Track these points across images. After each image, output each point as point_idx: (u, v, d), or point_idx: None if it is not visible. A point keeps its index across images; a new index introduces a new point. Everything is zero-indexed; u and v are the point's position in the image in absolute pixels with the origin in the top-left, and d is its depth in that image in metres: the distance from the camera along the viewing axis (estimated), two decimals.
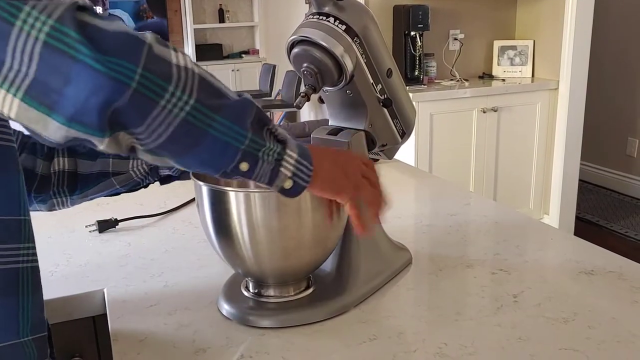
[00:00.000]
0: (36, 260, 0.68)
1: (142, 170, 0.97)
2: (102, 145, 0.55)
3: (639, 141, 4.09)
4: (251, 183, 0.96)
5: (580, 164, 3.47)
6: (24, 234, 0.66)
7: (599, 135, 4.36)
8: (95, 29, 0.52)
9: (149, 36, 0.57)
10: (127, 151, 0.59)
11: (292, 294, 0.88)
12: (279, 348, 0.79)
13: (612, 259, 1.03)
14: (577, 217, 3.56)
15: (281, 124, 2.86)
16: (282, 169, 0.65)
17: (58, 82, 0.51)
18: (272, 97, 6.00)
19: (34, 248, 0.69)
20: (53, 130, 0.53)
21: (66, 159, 0.94)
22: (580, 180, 3.52)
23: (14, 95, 0.51)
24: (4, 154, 0.63)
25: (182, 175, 1.00)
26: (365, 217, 0.76)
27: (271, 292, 0.88)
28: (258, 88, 6.46)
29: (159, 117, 0.56)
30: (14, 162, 0.64)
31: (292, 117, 6.04)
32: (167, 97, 0.55)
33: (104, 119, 0.53)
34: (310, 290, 0.90)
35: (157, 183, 1.02)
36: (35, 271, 0.68)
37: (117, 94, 0.52)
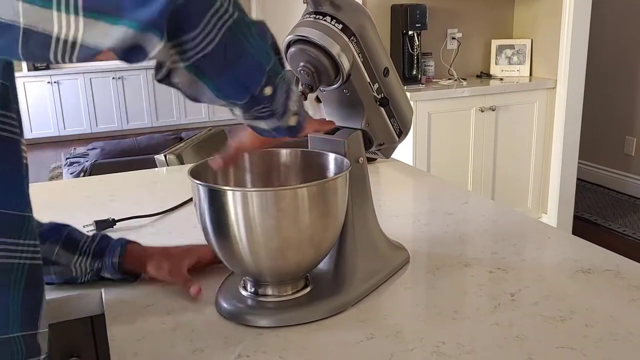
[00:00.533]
0: (37, 259, 0.68)
1: (83, 269, 0.95)
2: (155, 49, 0.51)
3: (637, 140, 4.10)
4: (248, 183, 0.97)
5: (578, 162, 3.47)
6: (26, 231, 0.66)
7: (596, 134, 4.36)
8: None
9: None
10: (164, 74, 0.57)
11: (290, 293, 0.88)
12: (276, 347, 0.79)
13: (610, 257, 1.03)
14: (575, 216, 3.56)
15: None
16: (290, 103, 0.65)
17: None
18: None
19: (37, 246, 0.69)
20: (114, 37, 0.49)
21: None
22: (578, 179, 3.52)
23: (75, 14, 0.47)
24: (5, 146, 0.63)
25: (122, 281, 0.98)
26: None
27: (269, 291, 0.88)
28: None
29: (212, 20, 0.54)
30: (14, 154, 0.64)
31: None
32: (220, 1, 0.54)
33: (164, 17, 0.50)
34: (308, 289, 0.90)
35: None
36: (33, 269, 0.68)
37: None
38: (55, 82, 6.50)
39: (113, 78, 6.70)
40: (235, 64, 0.57)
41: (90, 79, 6.63)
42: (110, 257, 0.95)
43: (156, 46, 0.50)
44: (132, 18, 0.48)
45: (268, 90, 0.61)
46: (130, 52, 0.50)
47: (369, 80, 0.92)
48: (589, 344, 0.77)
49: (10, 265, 0.65)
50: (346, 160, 0.89)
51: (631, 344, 0.77)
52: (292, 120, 0.67)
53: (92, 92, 6.69)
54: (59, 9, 0.46)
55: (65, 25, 0.47)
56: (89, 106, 6.71)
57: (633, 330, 0.79)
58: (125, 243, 0.98)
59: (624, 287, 0.92)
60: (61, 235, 0.95)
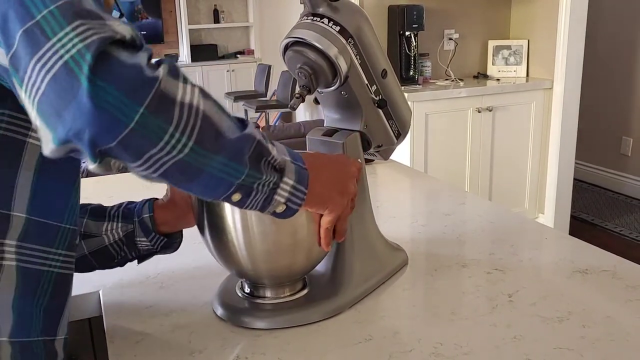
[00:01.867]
0: (68, 268, 0.69)
1: (116, 235, 0.89)
2: (91, 166, 0.55)
3: (633, 140, 4.11)
4: None
5: (575, 163, 3.48)
6: (60, 241, 0.67)
7: (593, 134, 4.37)
8: (114, 63, 0.52)
9: (162, 70, 0.55)
10: (117, 171, 0.59)
11: (287, 294, 0.89)
12: (275, 349, 0.79)
13: (607, 258, 1.03)
14: (572, 216, 3.57)
15: (276, 124, 2.86)
16: (276, 197, 0.66)
17: (61, 104, 0.51)
18: (268, 98, 6.00)
19: (69, 256, 0.69)
20: (49, 147, 0.54)
21: None
22: (574, 179, 3.53)
23: (32, 105, 0.52)
24: (11, 148, 0.64)
25: (161, 250, 0.93)
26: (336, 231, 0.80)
27: (266, 293, 0.88)
28: (253, 88, 6.46)
29: (155, 157, 0.55)
30: (16, 156, 0.64)
31: (287, 117, 6.04)
32: (165, 139, 0.54)
33: (94, 151, 0.53)
34: (305, 291, 0.90)
35: (136, 261, 0.94)
36: (62, 278, 0.69)
37: (112, 131, 0.52)
38: None
39: None
40: (189, 183, 0.59)
41: None
42: (139, 215, 0.90)
43: (92, 164, 0.54)
44: (58, 135, 0.52)
45: (236, 197, 0.62)
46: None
47: (366, 82, 0.92)
48: (586, 345, 0.77)
49: (38, 272, 0.66)
50: None
51: (628, 344, 0.77)
52: (279, 209, 0.68)
53: None
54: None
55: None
56: None
57: (630, 331, 0.80)
58: (151, 200, 0.92)
59: (621, 287, 0.92)
60: (86, 208, 0.90)
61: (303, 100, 0.89)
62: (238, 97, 6.14)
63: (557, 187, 3.42)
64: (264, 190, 0.64)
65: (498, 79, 3.49)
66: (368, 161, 1.63)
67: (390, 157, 1.15)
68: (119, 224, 0.89)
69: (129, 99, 0.52)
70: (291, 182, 0.67)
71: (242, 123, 0.62)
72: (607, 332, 0.80)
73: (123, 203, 0.93)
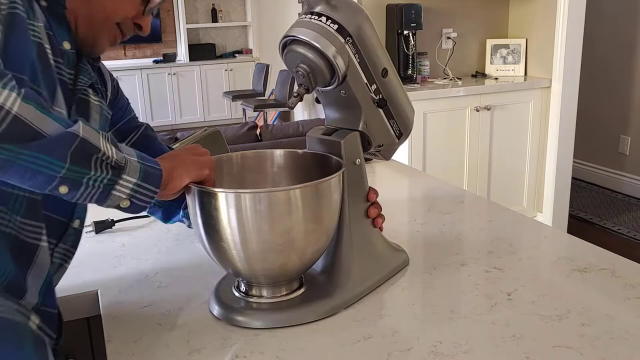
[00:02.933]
0: (31, 237, 0.75)
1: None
2: None
3: (631, 139, 4.11)
4: (241, 184, 0.96)
5: (573, 161, 3.48)
6: (14, 206, 0.74)
7: (591, 133, 4.38)
8: None
9: None
10: None
11: (284, 294, 0.88)
12: (273, 348, 0.79)
13: (605, 256, 1.03)
14: (570, 215, 3.57)
15: (275, 123, 2.86)
16: (114, 192, 0.70)
17: None
18: (266, 97, 5.99)
19: (30, 225, 0.75)
20: None
21: None
22: (573, 178, 3.53)
23: None
24: None
25: None
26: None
27: (263, 292, 0.88)
28: (251, 87, 6.45)
29: None
30: None
31: (286, 116, 6.04)
32: None
33: None
34: (302, 290, 0.90)
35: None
36: (21, 243, 0.74)
37: None
38: None
39: None
40: (3, 173, 0.64)
41: None
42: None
43: None
44: None
45: (63, 189, 0.67)
46: None
47: (366, 81, 0.92)
48: (585, 343, 0.77)
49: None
50: (340, 161, 0.89)
51: (627, 342, 0.77)
52: (124, 204, 0.72)
53: None
54: None
55: None
56: None
57: (629, 329, 0.80)
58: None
59: (619, 285, 0.92)
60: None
61: (301, 100, 0.89)
62: (236, 96, 6.13)
63: (555, 186, 3.42)
64: (96, 186, 0.68)
65: (496, 78, 3.49)
66: (366, 160, 1.63)
67: None
68: None
69: None
70: (134, 180, 0.71)
71: (72, 122, 0.67)
72: (606, 330, 0.80)
73: None
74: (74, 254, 0.85)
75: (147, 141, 1.01)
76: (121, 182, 0.70)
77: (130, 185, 0.71)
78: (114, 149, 0.70)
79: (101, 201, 0.71)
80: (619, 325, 0.81)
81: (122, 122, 1.00)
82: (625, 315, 0.84)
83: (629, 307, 0.86)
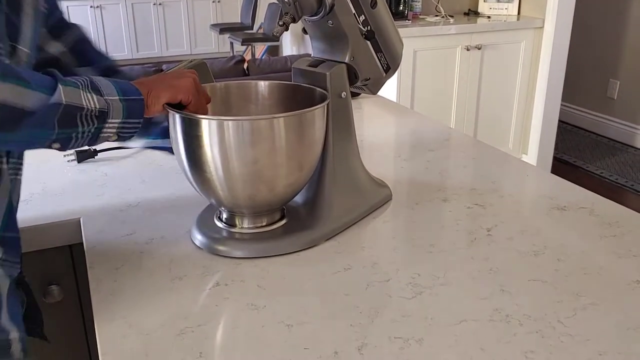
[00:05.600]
0: None
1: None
2: None
3: (620, 83, 4.10)
4: (225, 113, 0.95)
5: (561, 104, 3.48)
6: None
7: (580, 76, 4.36)
8: None
9: None
10: None
11: (265, 224, 0.89)
12: (254, 276, 0.80)
13: (585, 195, 1.04)
14: (554, 157, 3.60)
15: (263, 58, 2.80)
16: (102, 135, 0.72)
17: None
18: (254, 31, 5.86)
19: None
20: None
21: None
22: (559, 120, 3.54)
23: None
24: None
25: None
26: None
27: (244, 223, 0.89)
28: (239, 21, 6.30)
29: None
30: None
31: (274, 51, 5.93)
32: None
33: None
34: (284, 221, 0.91)
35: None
36: None
37: None
38: None
39: (91, 7, 6.48)
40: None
41: (66, 6, 6.40)
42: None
43: None
44: None
45: (56, 145, 0.69)
46: None
47: (354, 11, 0.89)
48: (559, 277, 0.79)
49: None
50: (325, 94, 0.87)
51: (600, 277, 0.79)
52: (112, 139, 0.75)
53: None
54: None
55: None
56: None
57: (603, 265, 0.82)
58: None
59: (596, 224, 0.94)
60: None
61: (287, 29, 0.87)
62: (224, 29, 5.99)
63: (541, 129, 3.43)
64: (84, 136, 0.71)
65: (489, 17, 3.43)
66: (354, 95, 1.61)
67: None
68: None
69: None
70: (118, 120, 0.73)
71: (51, 87, 0.66)
72: (581, 266, 0.82)
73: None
74: (22, 164, 0.83)
75: (83, 45, 0.98)
76: (107, 125, 0.72)
77: (116, 125, 0.73)
78: (95, 97, 0.70)
79: (91, 144, 0.73)
80: (593, 261, 0.83)
81: (55, 19, 0.92)
82: (600, 252, 0.86)
83: (604, 244, 0.88)
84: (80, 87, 0.69)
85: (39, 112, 0.64)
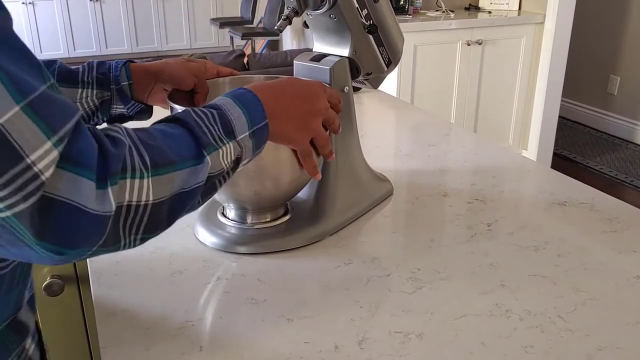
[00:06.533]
0: None
1: (91, 104, 0.84)
2: None
3: (620, 79, 4.10)
4: None
5: (561, 100, 3.48)
6: None
7: (580, 72, 4.35)
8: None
9: (112, 195, 0.49)
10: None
11: (269, 220, 0.89)
12: (255, 271, 0.80)
13: (586, 191, 1.04)
14: (554, 153, 3.60)
15: (262, 52, 2.79)
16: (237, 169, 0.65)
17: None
18: (254, 25, 5.85)
19: None
20: None
21: None
22: (559, 116, 3.54)
23: None
24: None
25: (136, 115, 0.88)
26: (314, 161, 0.78)
27: (248, 218, 0.89)
28: (239, 15, 6.28)
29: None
30: None
31: (274, 45, 5.91)
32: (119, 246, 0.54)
33: None
34: (287, 217, 0.91)
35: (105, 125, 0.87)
36: None
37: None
38: (30, 3, 6.25)
39: (91, 0, 6.46)
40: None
41: (67, 0, 6.38)
42: (117, 83, 0.85)
43: None
44: None
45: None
46: None
47: (357, 5, 0.89)
48: (559, 273, 0.79)
49: None
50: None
51: (600, 273, 0.79)
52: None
53: (69, 15, 6.45)
54: None
55: None
56: (66, 30, 6.48)
57: (602, 261, 0.82)
58: (126, 64, 0.86)
59: (597, 219, 0.94)
60: (53, 69, 0.84)
61: (290, 23, 0.87)
62: (224, 23, 5.97)
63: (541, 124, 3.43)
64: (225, 178, 0.63)
65: (489, 12, 3.42)
66: (355, 89, 1.61)
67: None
68: (94, 91, 0.84)
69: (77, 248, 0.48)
70: (249, 157, 0.66)
71: (198, 156, 0.57)
72: (581, 261, 0.82)
73: (92, 65, 0.86)
74: None
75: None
76: (241, 164, 0.65)
77: (247, 161, 0.66)
78: (231, 146, 0.61)
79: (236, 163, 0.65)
80: (593, 257, 0.83)
81: None
82: (600, 247, 0.86)
83: (604, 240, 0.88)
84: (219, 147, 0.60)
85: (192, 193, 0.57)
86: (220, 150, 0.60)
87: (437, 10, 3.40)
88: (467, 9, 3.53)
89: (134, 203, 0.51)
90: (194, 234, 0.89)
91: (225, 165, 0.61)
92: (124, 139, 0.51)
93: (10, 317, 0.59)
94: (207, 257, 0.83)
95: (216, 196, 0.87)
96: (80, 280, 1.04)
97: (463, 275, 0.78)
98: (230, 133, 0.62)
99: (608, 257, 0.83)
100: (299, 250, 0.85)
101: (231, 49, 6.17)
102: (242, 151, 0.63)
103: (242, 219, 0.89)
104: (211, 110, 0.62)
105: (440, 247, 0.86)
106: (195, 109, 0.62)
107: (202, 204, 0.62)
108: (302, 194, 0.94)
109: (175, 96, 0.85)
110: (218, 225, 0.89)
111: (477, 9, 3.51)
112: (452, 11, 3.39)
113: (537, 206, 1.00)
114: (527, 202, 1.02)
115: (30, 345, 0.63)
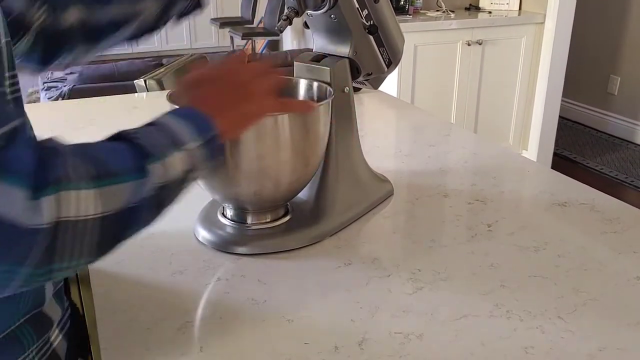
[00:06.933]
0: None
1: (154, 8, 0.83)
2: None
3: (621, 79, 4.10)
4: None
5: (561, 100, 3.48)
6: None
7: (581, 72, 4.35)
8: None
9: (46, 207, 0.47)
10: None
11: (269, 220, 0.89)
12: (255, 272, 0.80)
13: (586, 191, 1.04)
14: (554, 153, 3.60)
15: (263, 52, 2.80)
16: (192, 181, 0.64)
17: None
18: (254, 25, 5.85)
19: None
20: None
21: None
22: (559, 116, 3.53)
23: None
24: None
25: (192, 11, 0.87)
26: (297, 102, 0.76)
27: (248, 219, 0.89)
28: (240, 15, 6.28)
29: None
30: None
31: (274, 46, 5.91)
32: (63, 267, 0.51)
33: None
34: (288, 217, 0.90)
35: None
36: None
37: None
38: None
39: None
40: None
41: None
42: None
43: None
44: None
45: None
46: None
47: (357, 5, 0.89)
48: (560, 273, 0.79)
49: None
50: (330, 89, 0.87)
51: (600, 273, 0.79)
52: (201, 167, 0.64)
53: None
54: None
55: None
56: None
57: (602, 261, 0.82)
58: None
59: (597, 220, 0.94)
60: None
61: (290, 23, 0.87)
62: (224, 23, 5.97)
63: (542, 124, 3.42)
64: (177, 189, 0.62)
65: (490, 12, 3.42)
66: (355, 90, 1.61)
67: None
68: None
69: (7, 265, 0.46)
70: (206, 168, 0.64)
71: (140, 168, 0.55)
72: (581, 262, 0.82)
73: None
74: None
75: None
76: (197, 173, 0.63)
77: (204, 170, 0.64)
78: (180, 160, 0.59)
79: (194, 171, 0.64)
80: (594, 258, 0.83)
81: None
82: (600, 248, 0.86)
83: (605, 241, 0.88)
84: (159, 154, 0.57)
85: (141, 212, 0.55)
86: (165, 161, 0.58)
87: (437, 11, 3.40)
88: (467, 9, 3.53)
89: (72, 218, 0.48)
90: (194, 235, 0.89)
91: (175, 176, 0.59)
92: (63, 150, 0.50)
93: (28, 313, 0.59)
94: (207, 258, 0.83)
95: (216, 196, 0.87)
96: (81, 280, 1.03)
97: (463, 276, 0.78)
98: (174, 143, 0.59)
99: (608, 258, 0.83)
100: (299, 250, 0.85)
101: (231, 49, 6.17)
102: (194, 160, 0.61)
103: (242, 220, 0.89)
104: (149, 126, 0.61)
105: (440, 248, 0.86)
106: (135, 127, 0.60)
107: (156, 218, 0.60)
108: (302, 194, 0.94)
109: (175, 96, 0.84)
110: (218, 226, 0.89)
111: (478, 9, 3.51)
112: (453, 11, 3.39)
113: (537, 207, 1.00)
114: (528, 203, 1.02)
115: (56, 337, 0.63)
